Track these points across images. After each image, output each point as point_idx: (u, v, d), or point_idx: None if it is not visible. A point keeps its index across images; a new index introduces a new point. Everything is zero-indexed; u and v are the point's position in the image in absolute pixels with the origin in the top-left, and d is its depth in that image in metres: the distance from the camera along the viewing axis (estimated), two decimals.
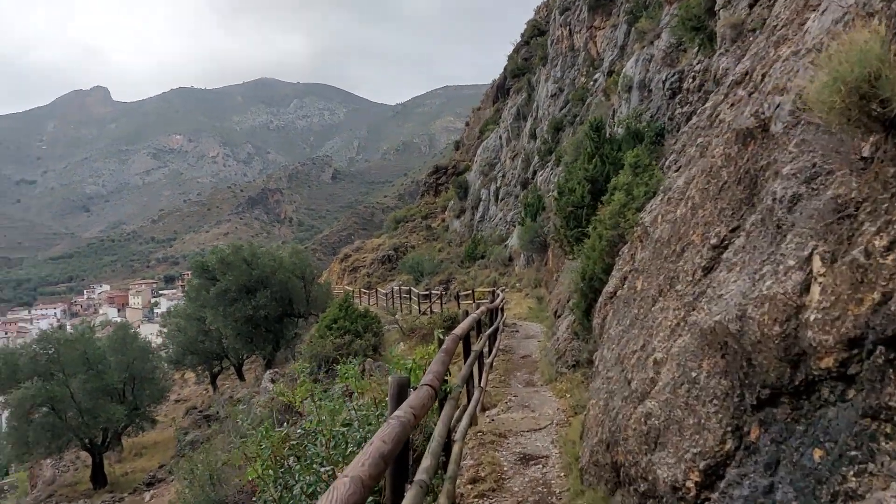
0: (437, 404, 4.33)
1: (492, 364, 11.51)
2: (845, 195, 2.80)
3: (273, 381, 18.34)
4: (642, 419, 4.12)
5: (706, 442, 3.36)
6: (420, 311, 25.17)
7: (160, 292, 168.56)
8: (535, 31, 54.96)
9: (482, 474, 6.05)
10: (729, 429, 3.29)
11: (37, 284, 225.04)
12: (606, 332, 6.73)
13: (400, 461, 2.88)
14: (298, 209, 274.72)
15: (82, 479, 25.00)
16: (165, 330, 35.77)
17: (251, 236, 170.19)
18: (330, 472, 3.81)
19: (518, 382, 11.47)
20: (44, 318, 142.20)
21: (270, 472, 3.92)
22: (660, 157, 14.23)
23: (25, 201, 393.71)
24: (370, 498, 3.05)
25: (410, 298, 28.45)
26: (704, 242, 4.42)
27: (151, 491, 21.89)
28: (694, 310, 4.04)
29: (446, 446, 4.33)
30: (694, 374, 3.65)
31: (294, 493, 3.84)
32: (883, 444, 2.28)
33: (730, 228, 4.16)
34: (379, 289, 36.65)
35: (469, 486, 5.78)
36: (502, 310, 17.08)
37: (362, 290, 37.54)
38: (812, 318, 2.67)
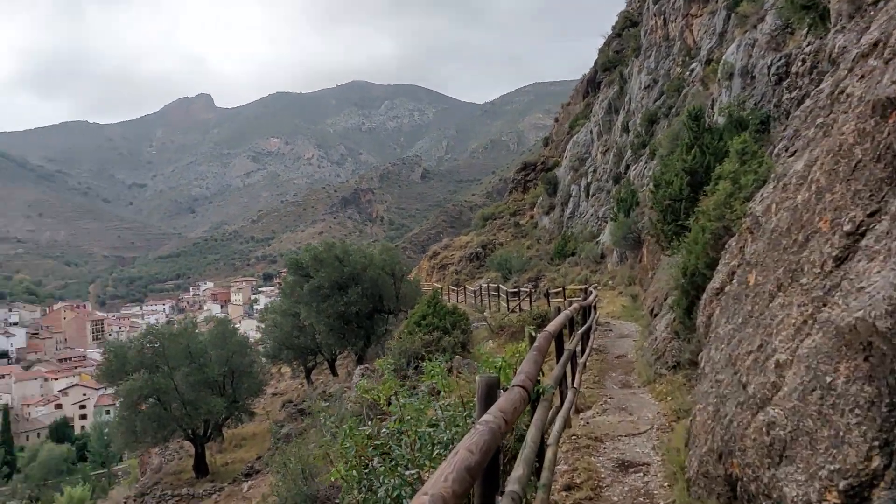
0: (528, 406, 4.02)
1: (585, 364, 11.04)
2: None
3: (364, 377, 18.50)
4: (763, 428, 3.65)
5: (846, 458, 2.88)
6: (509, 308, 24.84)
7: (259, 289, 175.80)
8: (628, 23, 53.28)
9: (577, 481, 5.67)
10: (875, 443, 2.80)
11: (147, 282, 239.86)
12: (713, 331, 6.19)
13: (489, 471, 2.58)
14: (389, 208, 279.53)
15: (186, 468, 26.15)
16: (263, 325, 37.02)
17: (344, 235, 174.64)
18: (415, 476, 3.58)
19: (613, 383, 10.94)
20: (154, 314, 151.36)
21: (354, 472, 3.73)
22: (766, 145, 13.28)
23: (137, 204, 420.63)
24: None
25: (499, 296, 28.16)
26: (835, 230, 3.88)
27: (249, 482, 22.59)
28: (825, 305, 3.53)
29: (539, 451, 4.01)
30: (829, 379, 3.16)
31: (378, 496, 3.64)
32: None
33: (867, 212, 3.61)
34: (467, 286, 36.53)
35: (563, 494, 5.42)
36: (595, 308, 16.50)
37: (451, 287, 37.52)
38: None
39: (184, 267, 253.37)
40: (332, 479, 3.76)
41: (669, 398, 8.80)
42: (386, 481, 3.57)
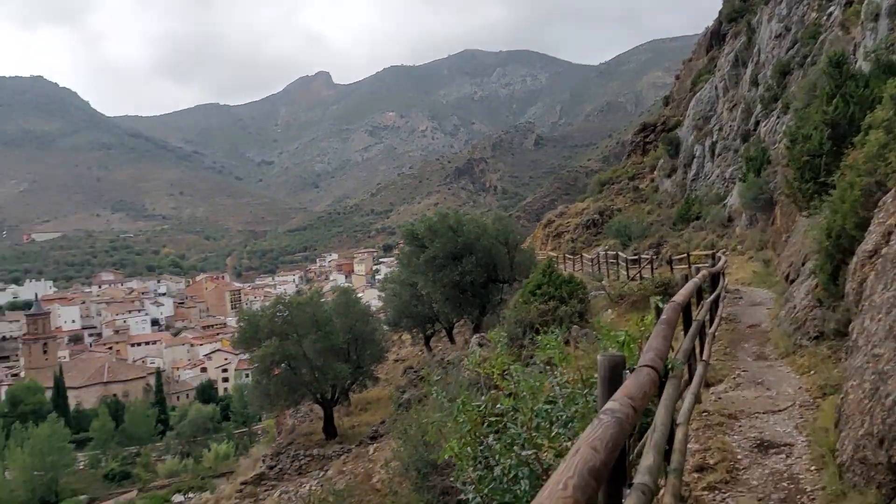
0: None
1: (714, 334, 10.35)
2: None
3: (480, 345, 18.51)
4: None
5: None
6: (628, 276, 23.99)
7: (380, 260, 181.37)
8: None
9: (710, 462, 5.25)
10: None
11: (278, 254, 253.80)
12: (867, 298, 5.51)
13: (615, 465, 2.28)
14: (502, 177, 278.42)
15: (316, 430, 27.49)
16: (383, 295, 38.07)
17: (458, 206, 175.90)
18: (532, 457, 3.37)
19: (746, 355, 10.19)
20: (284, 284, 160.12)
21: (469, 449, 3.58)
22: None
23: (266, 180, 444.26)
24: None
25: (618, 264, 27.26)
26: None
27: (375, 445, 23.41)
28: None
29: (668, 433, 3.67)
30: None
31: (495, 473, 3.47)
32: None
33: None
34: (584, 254, 35.67)
35: (695, 475, 5.04)
36: (723, 274, 15.50)
37: (566, 255, 36.77)
38: None
39: (310, 239, 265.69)
40: (446, 456, 3.63)
41: (812, 372, 8.05)
42: (502, 461, 3.40)
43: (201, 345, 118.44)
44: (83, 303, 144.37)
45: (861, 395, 4.47)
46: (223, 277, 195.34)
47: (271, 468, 24.81)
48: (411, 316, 31.32)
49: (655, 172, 51.79)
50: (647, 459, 2.48)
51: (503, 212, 50.92)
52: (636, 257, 26.15)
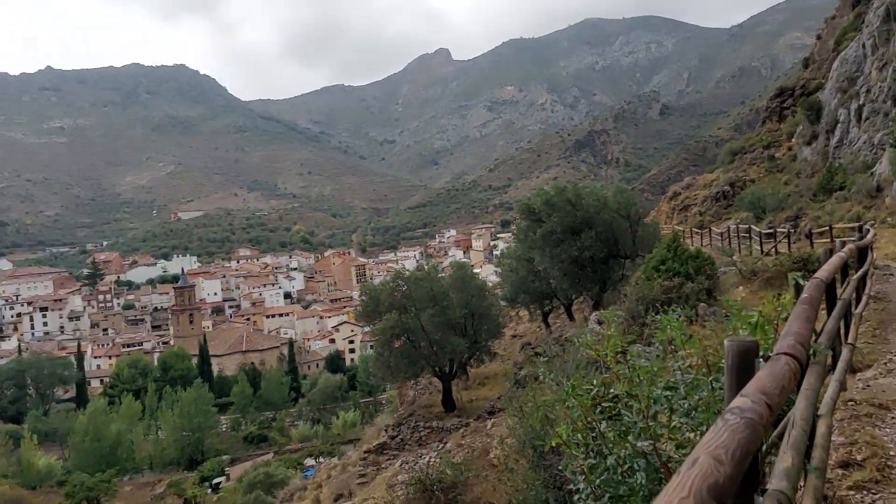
0: None
1: (861, 315, 9.37)
2: None
3: (600, 323, 17.97)
4: None
5: None
6: (762, 251, 22.46)
7: (498, 235, 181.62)
8: None
9: (858, 457, 4.68)
10: None
11: (399, 231, 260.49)
12: None
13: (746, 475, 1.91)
14: (625, 149, 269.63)
15: (435, 403, 28.00)
16: (500, 270, 37.99)
17: (579, 179, 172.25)
18: (649, 448, 3.07)
19: None
20: (406, 260, 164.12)
21: (579, 436, 3.32)
22: None
23: (388, 158, 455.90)
24: None
25: (750, 238, 25.60)
26: None
27: (492, 420, 23.50)
28: None
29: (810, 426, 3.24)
30: None
31: (608, 463, 3.20)
32: None
33: None
34: (712, 228, 33.83)
35: (839, 472, 4.51)
36: (871, 249, 14.05)
37: (693, 229, 35.05)
38: None
39: (430, 216, 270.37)
40: (553, 444, 3.39)
41: None
42: (615, 450, 3.13)
43: (329, 317, 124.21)
44: (224, 277, 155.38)
45: None
46: (349, 253, 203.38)
47: (393, 438, 25.57)
48: (528, 292, 30.98)
49: (793, 140, 47.93)
50: (785, 461, 2.09)
51: (625, 185, 49.14)
52: (771, 231, 24.48)
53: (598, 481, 3.11)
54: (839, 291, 6.53)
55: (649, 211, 45.86)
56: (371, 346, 54.86)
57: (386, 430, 27.23)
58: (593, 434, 3.34)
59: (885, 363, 7.82)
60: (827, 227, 22.11)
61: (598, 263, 25.09)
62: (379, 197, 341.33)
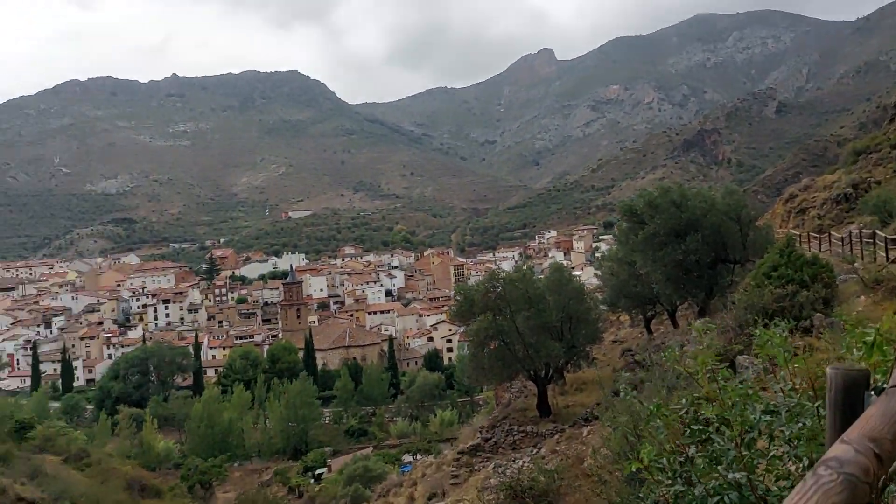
0: None
1: None
2: None
3: (705, 331, 17.06)
4: None
5: None
6: (888, 258, 20.61)
7: (600, 237, 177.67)
8: None
9: None
10: None
11: (498, 231, 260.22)
12: None
13: None
14: (737, 149, 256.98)
15: (530, 407, 27.60)
16: (600, 273, 37.04)
17: (686, 180, 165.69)
18: (743, 480, 2.72)
19: None
20: (504, 261, 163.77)
21: (664, 461, 3.01)
22: None
23: (488, 159, 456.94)
24: None
25: (874, 244, 23.58)
26: None
27: (588, 427, 22.87)
28: None
29: None
30: None
31: (696, 492, 2.88)
32: None
33: None
34: (832, 232, 31.44)
35: None
36: None
37: (811, 234, 32.73)
38: None
39: (529, 216, 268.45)
40: (633, 469, 3.10)
41: None
42: (704, 480, 2.80)
43: (428, 315, 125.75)
44: (329, 274, 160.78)
45: None
46: (448, 252, 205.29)
47: (486, 440, 25.42)
48: (629, 296, 29.97)
49: None
50: None
51: (737, 186, 46.64)
52: None
53: None
54: None
55: (762, 214, 43.35)
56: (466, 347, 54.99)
57: (480, 432, 27.11)
58: (681, 459, 3.03)
59: None
60: None
61: (704, 268, 23.88)
62: (479, 197, 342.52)
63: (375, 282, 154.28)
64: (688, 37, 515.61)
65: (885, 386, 1.88)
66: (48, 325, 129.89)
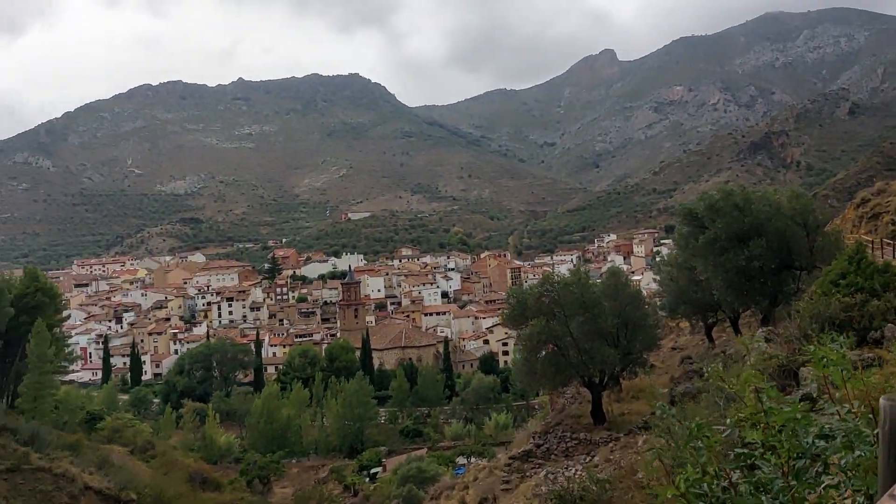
0: None
1: None
2: None
3: (768, 340, 16.35)
4: None
5: None
6: None
7: (662, 241, 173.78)
8: None
9: None
10: None
11: (557, 234, 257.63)
12: None
13: None
14: (807, 151, 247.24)
15: (584, 414, 27.09)
16: (659, 278, 36.14)
17: (753, 184, 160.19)
18: None
19: None
20: (562, 264, 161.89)
21: (704, 487, 2.78)
22: None
23: (547, 161, 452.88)
24: None
25: None
26: None
27: (644, 436, 22.28)
28: None
29: None
30: None
31: None
32: None
33: None
34: None
35: None
36: None
37: (884, 240, 31.10)
38: None
39: (588, 219, 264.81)
40: (669, 495, 2.88)
41: None
42: None
43: (484, 318, 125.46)
44: (387, 275, 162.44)
45: None
46: (505, 255, 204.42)
47: (538, 446, 25.06)
48: (689, 302, 29.05)
49: None
50: None
51: (805, 189, 44.75)
52: None
53: None
54: None
55: (832, 218, 41.51)
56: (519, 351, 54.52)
57: (532, 438, 26.78)
58: (724, 484, 2.81)
59: None
60: None
61: (767, 275, 22.94)
62: (537, 200, 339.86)
63: (432, 283, 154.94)
64: (756, 36, 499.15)
65: None
66: (119, 320, 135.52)
